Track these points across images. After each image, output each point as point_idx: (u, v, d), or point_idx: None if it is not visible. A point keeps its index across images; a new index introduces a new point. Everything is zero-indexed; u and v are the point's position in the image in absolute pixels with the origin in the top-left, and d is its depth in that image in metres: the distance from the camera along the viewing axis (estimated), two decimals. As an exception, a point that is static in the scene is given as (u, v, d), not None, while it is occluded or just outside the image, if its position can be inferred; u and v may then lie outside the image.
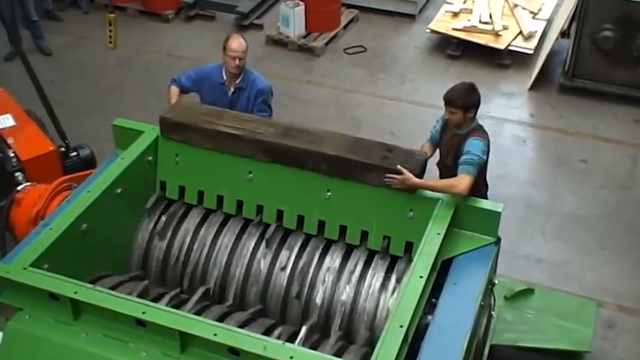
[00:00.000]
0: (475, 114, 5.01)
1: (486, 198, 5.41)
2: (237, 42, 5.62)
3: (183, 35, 10.24)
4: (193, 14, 10.59)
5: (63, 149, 6.09)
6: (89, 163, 6.08)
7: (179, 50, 9.86)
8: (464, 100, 4.90)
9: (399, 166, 4.05)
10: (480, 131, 5.04)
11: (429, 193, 4.09)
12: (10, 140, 5.92)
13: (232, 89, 5.73)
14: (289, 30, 9.78)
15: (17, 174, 5.63)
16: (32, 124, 6.21)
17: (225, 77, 5.72)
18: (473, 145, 4.76)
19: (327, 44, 9.80)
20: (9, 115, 6.17)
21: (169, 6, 10.54)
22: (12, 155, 5.76)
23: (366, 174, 4.07)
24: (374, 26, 10.35)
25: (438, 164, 5.25)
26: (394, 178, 4.06)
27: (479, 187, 5.07)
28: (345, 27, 10.19)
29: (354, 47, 9.82)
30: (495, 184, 7.27)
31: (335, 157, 4.11)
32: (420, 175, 4.08)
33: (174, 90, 5.65)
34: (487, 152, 4.98)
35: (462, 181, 4.37)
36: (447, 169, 5.00)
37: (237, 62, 5.61)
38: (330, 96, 8.89)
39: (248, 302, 4.25)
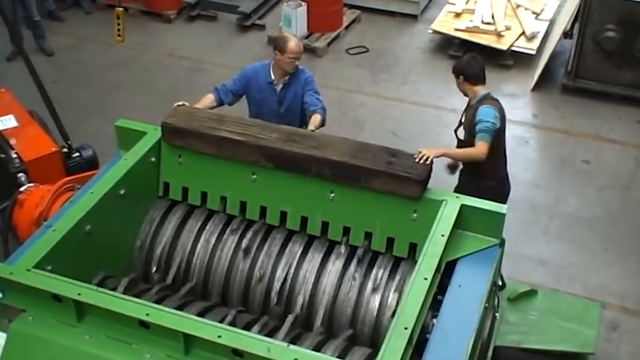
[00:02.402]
0: (476, 83, 5.46)
1: (506, 188, 5.70)
2: (296, 44, 5.71)
3: (185, 36, 10.24)
4: (195, 14, 10.59)
5: (65, 150, 6.09)
6: (92, 164, 6.07)
7: (181, 50, 9.86)
8: (457, 67, 5.51)
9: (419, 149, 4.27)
10: (490, 99, 5.45)
11: (433, 195, 4.07)
12: (12, 141, 5.92)
13: (280, 86, 5.81)
14: (291, 31, 9.75)
15: (20, 175, 5.62)
16: (34, 124, 6.21)
17: (273, 77, 5.79)
18: (484, 113, 5.26)
19: (329, 44, 9.79)
20: (11, 116, 6.16)
21: (171, 6, 10.54)
22: (14, 156, 5.76)
23: (371, 180, 4.06)
24: (376, 27, 10.34)
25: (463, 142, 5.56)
26: (421, 155, 4.23)
27: (498, 161, 5.57)
28: (347, 27, 10.19)
29: (356, 47, 9.81)
30: (499, 185, 7.28)
31: (339, 162, 4.09)
32: (426, 179, 4.06)
33: (208, 97, 5.64)
34: (501, 119, 5.37)
35: (479, 147, 5.16)
36: (469, 144, 5.40)
37: (296, 62, 5.74)
38: (332, 97, 8.86)
39: (251, 303, 4.24)
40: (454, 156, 5.52)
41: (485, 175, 5.54)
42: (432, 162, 4.20)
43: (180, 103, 4.82)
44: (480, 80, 5.51)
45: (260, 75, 5.81)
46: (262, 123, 4.59)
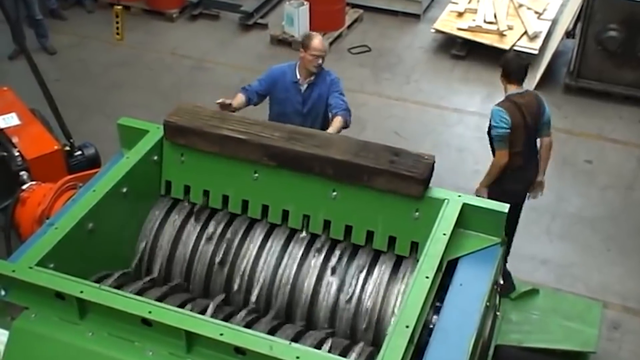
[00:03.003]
0: (510, 81, 5.65)
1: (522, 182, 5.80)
2: (320, 42, 5.76)
3: (187, 34, 10.25)
4: (197, 13, 10.61)
5: (68, 148, 6.09)
6: (94, 162, 6.08)
7: (183, 49, 9.88)
8: (501, 60, 5.83)
9: None
10: (507, 100, 5.60)
11: (434, 194, 4.07)
12: (15, 139, 5.93)
13: (305, 86, 5.84)
14: (293, 30, 9.78)
15: (22, 173, 5.63)
16: (36, 123, 6.22)
17: (299, 76, 5.84)
18: (493, 115, 5.52)
19: (331, 43, 9.80)
20: (13, 114, 6.17)
21: (173, 5, 10.56)
22: (17, 154, 5.77)
23: (374, 179, 4.05)
24: (378, 26, 10.35)
25: None
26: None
27: (513, 157, 5.58)
28: (349, 26, 10.20)
29: (358, 46, 9.82)
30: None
31: (342, 161, 4.09)
32: (427, 178, 4.05)
33: (239, 96, 5.70)
34: (508, 120, 5.43)
35: (496, 157, 5.55)
36: None
37: (319, 61, 5.76)
38: (334, 96, 8.88)
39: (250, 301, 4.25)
40: (490, 180, 5.65)
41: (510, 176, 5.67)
42: (433, 163, 4.15)
43: (220, 101, 4.92)
44: (514, 79, 5.64)
45: (286, 75, 5.86)
46: (265, 122, 4.59)
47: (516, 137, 5.52)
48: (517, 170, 5.65)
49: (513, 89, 5.61)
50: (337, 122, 5.48)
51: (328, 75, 5.91)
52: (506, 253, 5.45)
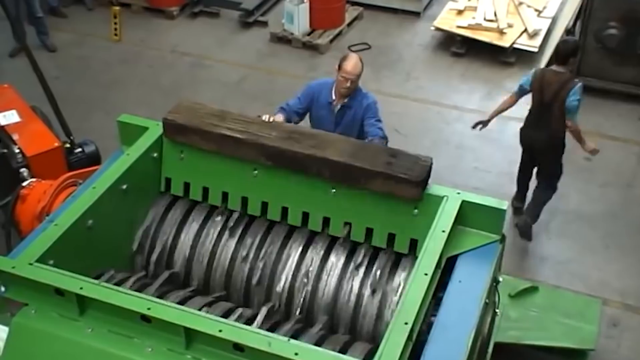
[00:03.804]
0: (555, 59, 6.48)
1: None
2: (352, 64, 5.51)
3: (187, 32, 10.25)
4: (197, 11, 10.61)
5: (68, 145, 6.10)
6: (94, 159, 6.08)
7: (183, 47, 9.88)
8: None
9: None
10: (543, 68, 6.81)
11: (433, 191, 4.07)
12: (15, 136, 5.93)
13: (338, 107, 5.66)
14: (293, 28, 9.78)
15: (22, 169, 5.64)
16: (37, 120, 6.22)
17: (334, 97, 5.65)
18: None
19: (331, 41, 9.81)
20: (14, 111, 6.18)
21: (174, 3, 10.56)
22: (17, 151, 5.77)
23: (370, 181, 4.05)
24: (378, 23, 10.35)
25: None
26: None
27: (529, 112, 6.65)
28: (349, 24, 10.20)
29: (358, 44, 9.82)
30: (500, 181, 7.30)
31: (338, 163, 4.08)
32: (424, 180, 4.03)
33: (278, 117, 5.45)
34: (529, 80, 6.44)
35: None
36: None
37: (348, 84, 5.52)
38: (334, 93, 8.88)
39: (251, 297, 4.26)
40: (498, 110, 6.86)
41: None
42: (431, 165, 4.11)
43: (263, 117, 4.90)
44: (555, 59, 6.42)
45: (322, 94, 5.66)
46: (263, 121, 4.57)
47: (532, 98, 6.46)
48: (526, 122, 6.65)
49: (554, 66, 6.41)
50: None
51: (365, 98, 5.66)
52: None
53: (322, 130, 5.51)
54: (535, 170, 6.82)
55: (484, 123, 6.79)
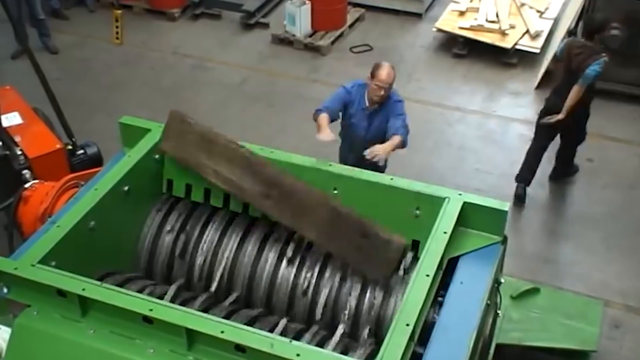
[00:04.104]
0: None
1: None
2: (386, 73, 5.55)
3: (189, 34, 10.27)
4: (199, 13, 10.62)
5: (70, 147, 6.11)
6: (96, 161, 6.09)
7: (185, 48, 9.89)
8: None
9: None
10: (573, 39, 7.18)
11: (435, 192, 4.08)
12: (17, 138, 5.94)
13: (370, 112, 5.74)
14: (295, 29, 9.79)
15: (25, 171, 5.64)
16: (39, 121, 6.24)
17: (367, 103, 5.71)
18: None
19: (333, 42, 9.81)
20: (16, 113, 6.19)
21: (175, 5, 10.57)
22: (19, 153, 5.78)
23: (341, 259, 4.12)
24: (380, 25, 10.35)
25: None
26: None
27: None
28: (351, 25, 10.20)
29: (359, 45, 9.83)
30: (502, 182, 7.30)
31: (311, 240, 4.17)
32: (395, 269, 3.95)
33: (323, 117, 5.43)
34: (563, 49, 6.87)
35: None
36: None
37: (382, 92, 5.57)
38: (336, 95, 8.88)
39: (254, 299, 4.26)
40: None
41: None
42: (404, 248, 3.96)
43: (325, 139, 5.08)
44: (583, 34, 6.78)
45: (357, 99, 5.73)
46: (250, 161, 4.28)
47: (562, 67, 6.82)
48: (552, 91, 6.99)
49: (582, 39, 6.73)
50: (396, 139, 5.34)
51: (394, 100, 5.72)
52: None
53: (353, 131, 5.78)
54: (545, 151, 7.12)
55: (561, 120, 6.68)
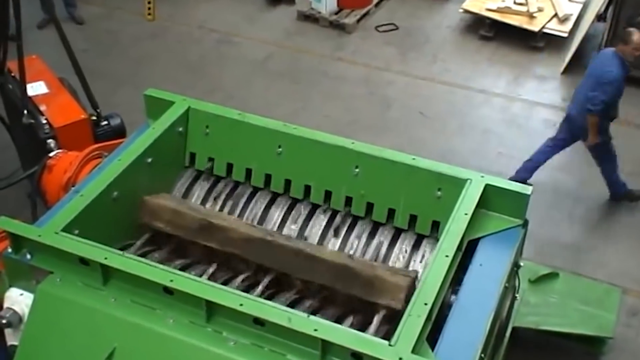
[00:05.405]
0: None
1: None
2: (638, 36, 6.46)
3: (215, 9, 10.26)
4: (226, -12, 10.60)
5: (94, 118, 6.14)
6: (119, 132, 6.12)
7: (211, 23, 9.89)
8: None
9: None
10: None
11: (457, 173, 4.07)
12: (42, 107, 5.98)
13: None
14: (320, 6, 9.75)
15: (49, 140, 5.69)
16: (64, 92, 6.27)
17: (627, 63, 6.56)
18: None
19: (358, 21, 9.76)
20: (42, 83, 6.22)
21: (202, -21, 10.54)
22: (44, 122, 5.83)
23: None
24: (406, 4, 10.29)
25: None
26: None
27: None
28: (377, 4, 10.15)
29: (385, 24, 9.77)
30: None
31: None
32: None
33: (593, 119, 6.58)
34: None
35: None
36: None
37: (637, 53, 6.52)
38: (360, 74, 8.86)
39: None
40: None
41: None
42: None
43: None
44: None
45: (620, 76, 6.51)
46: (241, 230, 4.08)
47: None
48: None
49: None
50: None
51: None
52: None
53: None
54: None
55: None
